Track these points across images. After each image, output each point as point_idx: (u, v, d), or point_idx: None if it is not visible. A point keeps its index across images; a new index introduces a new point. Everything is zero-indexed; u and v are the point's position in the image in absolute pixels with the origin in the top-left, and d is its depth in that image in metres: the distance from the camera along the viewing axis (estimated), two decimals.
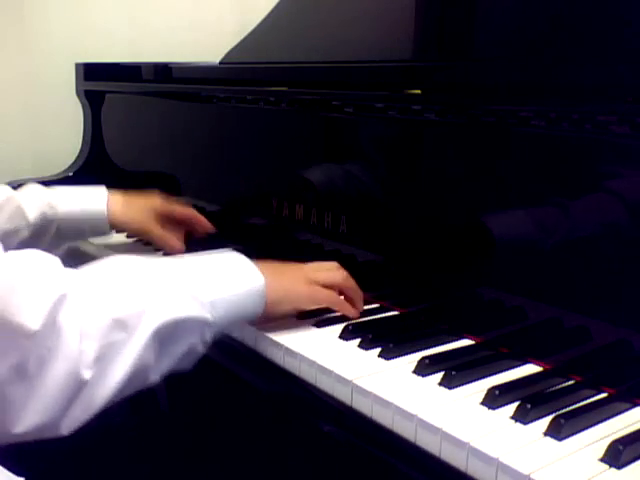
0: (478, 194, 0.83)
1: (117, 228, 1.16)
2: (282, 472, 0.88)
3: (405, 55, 1.02)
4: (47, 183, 1.47)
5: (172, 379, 0.71)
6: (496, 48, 0.92)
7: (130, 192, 1.16)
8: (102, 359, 0.62)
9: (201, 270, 0.74)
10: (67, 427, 0.62)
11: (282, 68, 1.12)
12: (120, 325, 0.63)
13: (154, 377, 0.67)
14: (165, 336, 0.66)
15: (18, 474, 0.80)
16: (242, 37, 1.30)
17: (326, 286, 0.84)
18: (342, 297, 0.86)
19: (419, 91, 0.88)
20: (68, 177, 1.51)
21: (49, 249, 1.09)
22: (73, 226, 1.10)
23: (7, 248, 1.03)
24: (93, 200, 1.11)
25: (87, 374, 0.61)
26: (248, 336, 0.85)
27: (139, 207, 1.14)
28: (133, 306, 0.65)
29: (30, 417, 0.59)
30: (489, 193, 0.82)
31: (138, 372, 0.64)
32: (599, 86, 0.69)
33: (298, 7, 1.23)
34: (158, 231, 1.13)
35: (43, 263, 0.65)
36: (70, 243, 1.16)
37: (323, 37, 1.15)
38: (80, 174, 1.52)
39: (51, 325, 0.59)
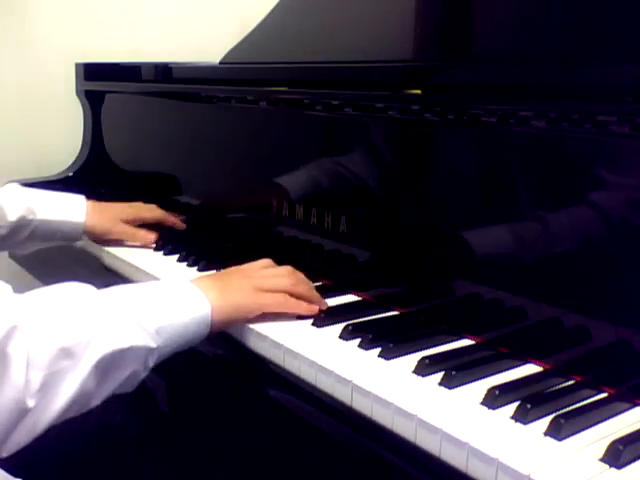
0: (478, 194, 0.83)
1: (90, 238, 1.20)
2: (282, 472, 0.88)
3: (405, 55, 1.02)
4: (47, 183, 1.48)
5: (172, 379, 0.71)
6: (496, 48, 0.92)
7: (102, 202, 1.20)
8: (46, 388, 0.64)
9: (147, 298, 0.76)
10: (7, 450, 0.64)
11: (282, 68, 1.12)
12: (66, 353, 0.65)
13: (95, 402, 0.69)
14: (109, 364, 0.68)
15: (16, 475, 0.80)
16: (242, 37, 1.30)
17: (274, 291, 0.85)
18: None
19: (419, 91, 0.88)
20: (68, 177, 1.51)
21: (16, 248, 1.18)
22: (48, 232, 1.14)
23: None
24: (72, 210, 1.15)
25: (31, 403, 0.63)
26: (247, 336, 0.85)
27: (112, 217, 1.18)
28: (79, 335, 0.66)
29: None
30: (489, 193, 0.82)
31: (80, 398, 0.66)
32: (599, 86, 0.69)
33: (298, 7, 1.23)
34: (126, 229, 1.18)
35: None
36: (37, 247, 1.21)
37: (323, 37, 1.15)
38: (80, 174, 1.52)
39: (0, 356, 0.61)
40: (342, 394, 0.72)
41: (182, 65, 1.38)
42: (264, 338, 0.82)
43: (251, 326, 0.84)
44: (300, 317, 0.86)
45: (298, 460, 0.79)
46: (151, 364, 0.73)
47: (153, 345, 0.72)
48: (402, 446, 0.65)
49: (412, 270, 0.90)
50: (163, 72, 1.38)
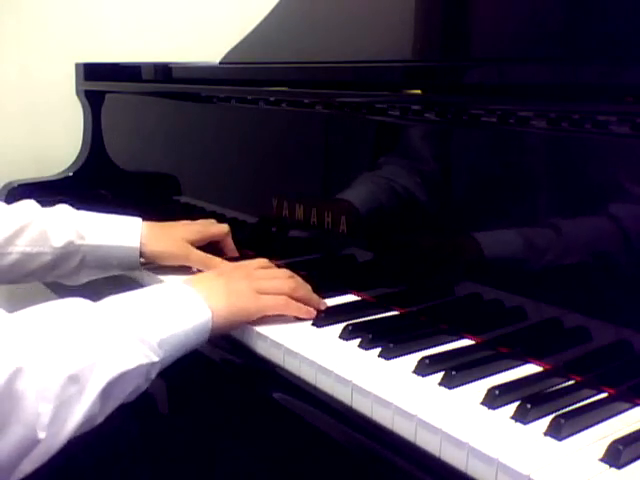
0: (479, 194, 0.83)
1: (150, 261, 1.05)
2: (282, 473, 0.88)
3: (405, 55, 1.02)
4: (47, 183, 1.48)
5: (172, 382, 0.71)
6: (496, 48, 0.92)
7: (162, 222, 1.08)
8: (56, 418, 0.63)
9: (148, 309, 0.75)
10: (15, 477, 0.64)
11: (282, 68, 1.12)
12: (73, 381, 0.64)
13: (100, 420, 0.68)
14: (114, 386, 0.68)
15: None
16: (242, 37, 1.30)
17: (274, 294, 0.85)
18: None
19: (419, 91, 0.88)
20: (68, 177, 1.51)
21: (68, 278, 1.03)
22: (100, 259, 1.02)
23: (25, 270, 1.00)
24: (126, 234, 1.01)
25: (42, 435, 0.63)
26: (247, 337, 0.85)
27: (175, 239, 1.04)
28: (84, 360, 0.66)
29: None
30: (490, 193, 0.82)
31: (87, 421, 0.66)
32: (599, 86, 0.69)
33: (298, 7, 1.23)
34: (198, 256, 1.04)
35: None
36: (92, 277, 1.05)
37: (323, 37, 1.15)
38: (80, 174, 1.52)
39: (7, 395, 0.60)
40: (342, 394, 0.72)
41: (182, 65, 1.38)
42: (264, 338, 0.82)
43: (251, 326, 0.84)
44: (299, 318, 0.86)
45: (298, 460, 0.79)
46: (153, 376, 0.73)
47: (156, 359, 0.72)
48: (402, 446, 0.65)
49: (412, 270, 0.90)
50: (163, 72, 1.37)
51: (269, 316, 0.85)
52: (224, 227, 1.10)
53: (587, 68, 0.72)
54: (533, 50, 0.87)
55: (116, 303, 0.74)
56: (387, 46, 1.03)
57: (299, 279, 0.89)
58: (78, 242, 0.99)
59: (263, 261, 0.92)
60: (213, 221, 1.12)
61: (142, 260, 1.04)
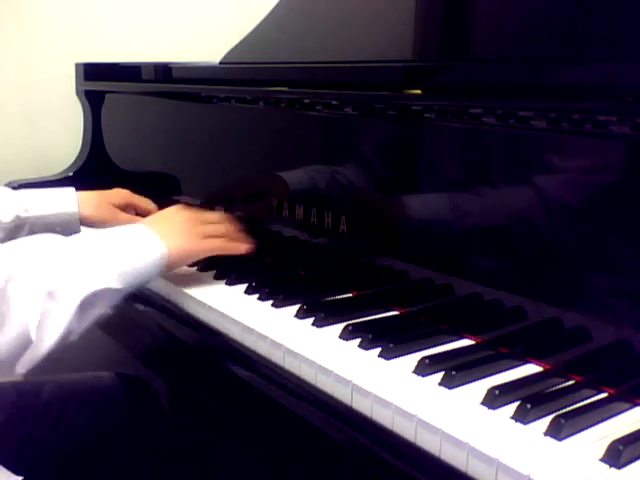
0: (479, 194, 0.83)
1: (87, 225, 1.19)
2: (282, 473, 0.88)
3: (405, 55, 1.02)
4: (47, 183, 1.48)
5: (172, 379, 0.71)
6: (496, 48, 0.92)
7: (96, 190, 1.21)
8: (42, 326, 0.74)
9: (112, 243, 0.86)
10: (21, 368, 0.75)
11: (282, 68, 1.12)
12: (51, 295, 0.75)
13: (74, 337, 0.79)
14: (86, 304, 0.78)
15: (17, 473, 0.81)
16: (242, 37, 1.30)
17: (215, 236, 0.98)
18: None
19: (419, 91, 0.88)
20: (68, 177, 1.51)
21: None
22: (45, 227, 1.13)
23: None
24: (64, 201, 1.15)
25: (33, 336, 0.74)
26: (247, 337, 0.85)
27: (105, 203, 1.18)
28: (60, 279, 0.77)
29: None
30: (490, 193, 0.82)
31: (67, 334, 0.77)
32: (599, 86, 0.69)
33: (298, 7, 1.23)
34: (125, 218, 1.17)
35: None
36: None
37: (323, 37, 1.15)
38: (80, 174, 1.52)
39: (2, 296, 0.73)
40: (342, 394, 0.72)
41: (182, 65, 1.38)
42: (264, 338, 0.82)
43: (251, 326, 0.84)
44: (300, 317, 0.86)
45: (298, 460, 0.79)
46: (116, 302, 0.83)
47: (120, 287, 0.82)
48: (402, 446, 0.65)
49: (412, 270, 0.90)
50: (163, 72, 1.37)
51: (269, 315, 0.86)
52: (151, 204, 1.23)
53: (587, 68, 0.72)
54: (533, 50, 0.87)
55: (85, 237, 0.88)
56: (387, 46, 1.04)
57: (233, 220, 1.03)
58: (24, 215, 1.11)
59: (202, 210, 1.05)
60: (147, 200, 1.24)
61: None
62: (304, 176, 1.04)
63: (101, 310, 0.81)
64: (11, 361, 0.74)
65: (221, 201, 1.22)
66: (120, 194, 1.22)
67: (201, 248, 0.96)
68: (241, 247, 1.00)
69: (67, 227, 1.16)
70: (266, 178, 1.11)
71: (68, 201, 1.15)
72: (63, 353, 0.79)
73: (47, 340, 0.75)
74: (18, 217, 1.10)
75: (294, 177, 1.06)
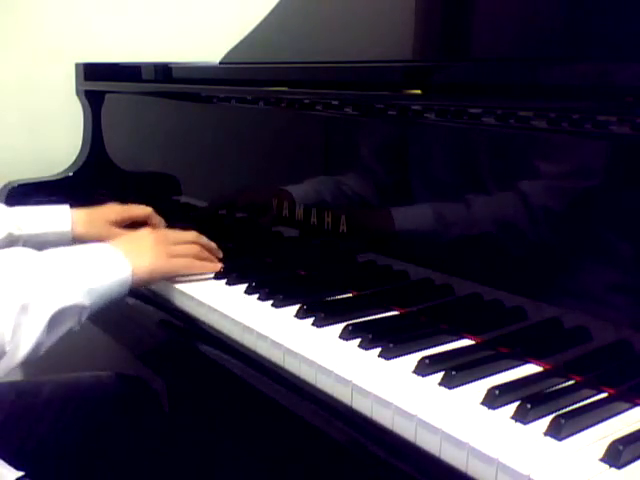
0: (479, 193, 0.83)
1: (80, 243, 1.15)
2: (282, 472, 0.88)
3: (405, 55, 1.02)
4: (47, 183, 1.48)
5: (173, 379, 0.71)
6: (496, 48, 0.92)
7: (90, 207, 1.18)
8: (15, 337, 0.77)
9: (80, 261, 0.88)
10: None
11: (282, 68, 1.12)
12: (24, 309, 0.77)
13: (43, 350, 0.81)
14: (56, 319, 0.81)
15: (18, 469, 0.81)
16: (242, 37, 1.30)
17: (183, 256, 1.00)
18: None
19: (419, 91, 0.88)
20: (68, 177, 1.51)
21: None
22: (38, 246, 1.09)
23: None
24: (57, 220, 1.14)
25: (7, 347, 0.76)
26: (247, 336, 0.85)
27: (100, 221, 1.17)
28: (33, 293, 0.79)
29: None
30: (490, 193, 0.82)
31: (38, 347, 0.79)
32: (599, 86, 0.69)
33: (298, 7, 1.23)
34: (119, 232, 1.15)
35: None
36: None
37: (323, 37, 1.15)
38: (80, 174, 1.52)
39: None
40: (342, 394, 0.72)
41: (182, 65, 1.38)
42: (264, 338, 0.82)
43: (251, 326, 0.84)
44: (300, 317, 0.86)
45: (298, 460, 0.79)
46: (83, 319, 0.85)
47: (87, 303, 0.84)
48: (402, 446, 0.65)
49: (412, 270, 0.90)
50: (163, 72, 1.37)
51: (269, 315, 0.86)
52: (146, 208, 1.22)
53: (587, 68, 0.72)
54: (533, 50, 0.87)
55: (55, 254, 0.88)
56: (387, 46, 1.04)
57: (203, 239, 1.05)
58: (17, 233, 1.10)
59: (173, 230, 1.07)
60: (142, 206, 1.23)
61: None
62: (309, 189, 1.04)
63: (69, 325, 0.83)
64: None
65: (223, 208, 1.22)
66: (114, 210, 1.20)
67: (167, 267, 0.98)
68: (208, 266, 1.02)
69: (60, 245, 1.12)
70: (272, 191, 1.09)
71: (61, 219, 1.14)
72: (62, 353, 0.80)
73: (20, 351, 0.77)
74: (11, 234, 1.10)
75: (300, 191, 1.05)
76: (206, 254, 1.04)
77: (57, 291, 0.81)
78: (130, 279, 0.91)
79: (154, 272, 0.95)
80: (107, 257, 0.90)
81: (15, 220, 1.11)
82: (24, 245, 1.09)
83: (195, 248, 1.03)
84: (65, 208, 1.16)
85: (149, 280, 0.96)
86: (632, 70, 0.67)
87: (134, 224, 1.19)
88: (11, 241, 1.10)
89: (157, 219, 1.22)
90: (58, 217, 1.14)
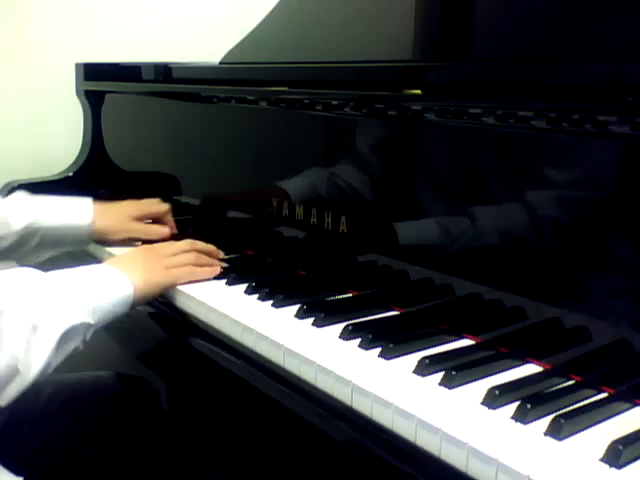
0: (479, 193, 0.83)
1: (99, 241, 1.18)
2: (282, 472, 0.88)
3: (405, 55, 1.02)
4: (47, 183, 1.48)
5: (172, 380, 0.71)
6: (496, 48, 0.92)
7: (108, 202, 1.20)
8: (27, 357, 0.77)
9: (85, 281, 0.89)
10: (6, 398, 0.77)
11: (282, 68, 1.12)
12: (35, 329, 0.78)
13: (51, 370, 0.81)
14: (65, 338, 0.81)
15: (18, 474, 0.81)
16: (242, 37, 1.30)
17: (180, 266, 1.00)
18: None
19: (419, 91, 0.88)
20: (68, 177, 1.51)
21: (27, 257, 1.14)
22: (56, 238, 1.13)
23: None
24: (78, 214, 1.14)
25: (20, 367, 0.77)
26: (248, 336, 0.85)
27: (120, 216, 1.18)
28: (43, 313, 0.80)
29: None
30: (490, 193, 0.82)
31: (47, 366, 0.79)
32: (599, 86, 0.69)
33: (298, 7, 1.23)
34: (138, 226, 1.19)
35: None
36: (49, 254, 1.17)
37: (323, 37, 1.15)
38: (80, 174, 1.52)
39: None
40: (342, 394, 0.72)
41: (182, 65, 1.38)
42: (264, 338, 0.82)
43: (251, 326, 0.84)
44: (300, 317, 0.86)
45: (298, 460, 0.79)
46: (88, 338, 0.86)
47: (92, 322, 0.85)
48: (402, 446, 0.65)
49: (412, 270, 0.90)
50: (163, 72, 1.37)
51: (269, 315, 0.85)
52: (164, 205, 1.23)
53: (587, 68, 0.72)
54: (533, 50, 0.87)
55: (60, 275, 0.88)
56: (387, 46, 1.04)
57: (199, 244, 1.05)
58: (36, 225, 1.10)
59: (169, 243, 1.06)
60: (156, 200, 1.25)
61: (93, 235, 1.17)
62: (304, 184, 1.04)
63: (76, 343, 0.84)
64: (1, 387, 0.77)
65: (222, 207, 1.22)
66: (134, 206, 1.21)
67: (167, 279, 0.98)
68: (208, 271, 1.02)
69: (78, 239, 1.16)
70: (266, 191, 1.10)
71: (82, 213, 1.14)
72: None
73: (32, 371, 0.78)
74: (30, 226, 1.10)
75: (294, 186, 1.06)
76: (205, 259, 1.03)
77: (65, 311, 0.82)
78: (132, 296, 0.91)
79: (154, 285, 0.96)
80: (108, 276, 0.91)
81: (35, 211, 1.11)
82: (42, 237, 1.12)
83: (192, 256, 1.02)
84: (87, 201, 1.16)
85: (150, 294, 0.96)
86: (632, 70, 0.67)
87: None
88: (29, 232, 1.10)
89: (169, 219, 1.23)
90: (79, 210, 1.14)
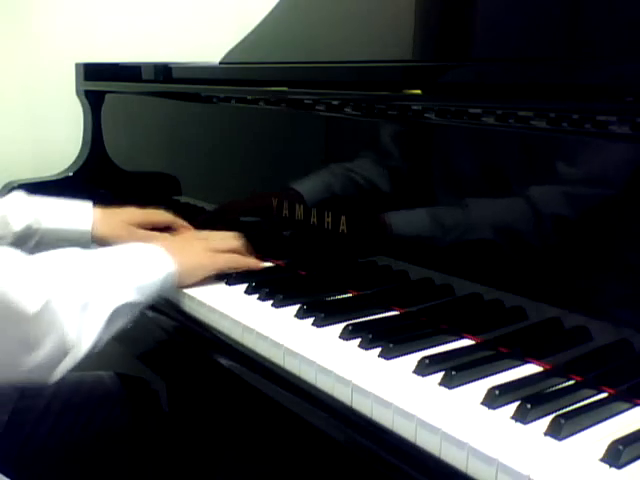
0: (480, 194, 0.83)
1: (98, 243, 1.16)
2: (282, 472, 0.88)
3: (405, 55, 1.02)
4: (47, 183, 1.48)
5: (173, 379, 0.71)
6: (496, 48, 0.92)
7: (110, 207, 1.16)
8: (77, 335, 0.78)
9: (129, 259, 0.90)
10: (54, 378, 0.78)
11: (282, 68, 1.12)
12: (84, 308, 0.79)
13: (100, 348, 0.82)
14: (113, 316, 0.82)
15: (18, 476, 0.81)
16: (242, 37, 1.30)
17: (225, 251, 1.02)
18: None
19: (419, 91, 0.88)
20: (68, 177, 1.51)
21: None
22: (54, 241, 1.12)
23: None
24: (79, 218, 1.13)
25: (71, 346, 0.78)
26: (248, 336, 0.85)
27: (121, 223, 1.15)
28: (94, 294, 0.81)
29: (26, 373, 0.77)
30: (490, 193, 0.82)
31: (97, 343, 0.81)
32: (599, 86, 0.69)
33: (298, 7, 1.23)
34: (139, 233, 1.15)
35: (28, 265, 0.80)
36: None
37: (323, 37, 1.15)
38: (80, 174, 1.52)
39: (43, 316, 0.76)
40: (342, 394, 0.72)
41: (182, 65, 1.38)
42: (264, 338, 0.82)
43: (251, 326, 0.84)
44: (300, 317, 0.86)
45: (298, 460, 0.79)
46: (135, 315, 0.87)
47: (138, 300, 0.86)
48: (402, 446, 0.65)
49: (412, 270, 0.90)
50: (163, 72, 1.37)
51: (269, 315, 0.86)
52: (167, 215, 1.21)
53: (587, 68, 0.72)
54: (533, 50, 0.87)
55: (106, 253, 0.90)
56: (387, 46, 1.04)
57: (241, 236, 1.05)
58: (35, 226, 1.10)
59: (213, 232, 1.08)
60: (162, 211, 1.22)
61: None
62: (318, 184, 1.04)
63: (124, 320, 0.85)
64: (50, 368, 0.78)
65: (222, 208, 1.22)
66: (136, 214, 1.18)
67: (211, 262, 0.99)
68: (251, 262, 1.04)
69: (76, 244, 1.11)
70: (281, 193, 1.08)
71: (83, 218, 1.13)
72: None
73: (82, 350, 0.79)
74: (29, 227, 1.09)
75: (308, 187, 1.05)
76: (246, 249, 1.05)
77: (114, 289, 0.83)
78: (175, 274, 0.92)
79: (198, 267, 0.97)
80: (151, 254, 0.92)
81: (35, 212, 1.11)
82: (40, 239, 1.11)
83: (238, 242, 1.04)
84: (88, 206, 1.14)
85: (193, 275, 0.97)
86: (632, 70, 0.67)
87: (153, 229, 1.18)
88: (28, 234, 1.09)
89: (182, 222, 1.20)
90: (79, 215, 1.13)
